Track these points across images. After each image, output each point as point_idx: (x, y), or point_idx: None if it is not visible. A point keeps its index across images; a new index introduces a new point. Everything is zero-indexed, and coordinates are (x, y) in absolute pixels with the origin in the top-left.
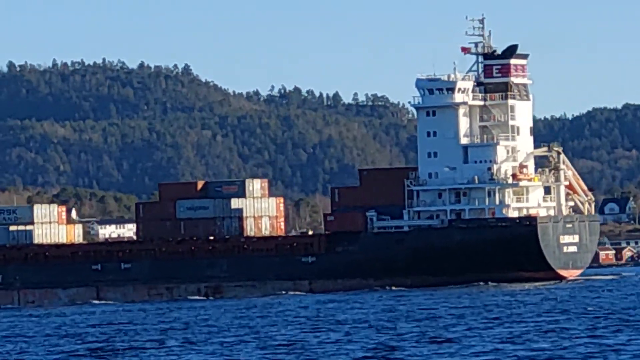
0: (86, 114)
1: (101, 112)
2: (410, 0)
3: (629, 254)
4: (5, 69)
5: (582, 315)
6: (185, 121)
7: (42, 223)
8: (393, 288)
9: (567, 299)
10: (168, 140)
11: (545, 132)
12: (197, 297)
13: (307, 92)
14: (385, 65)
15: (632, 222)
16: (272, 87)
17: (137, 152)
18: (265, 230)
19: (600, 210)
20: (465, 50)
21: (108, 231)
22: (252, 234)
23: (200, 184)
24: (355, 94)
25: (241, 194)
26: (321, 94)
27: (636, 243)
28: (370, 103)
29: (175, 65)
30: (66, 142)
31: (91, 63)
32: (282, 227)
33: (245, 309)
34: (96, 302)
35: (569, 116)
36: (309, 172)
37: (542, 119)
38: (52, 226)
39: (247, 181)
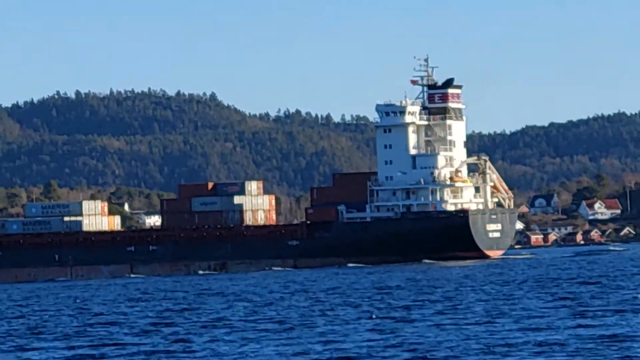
0: (135, 130)
1: (147, 129)
2: (375, 46)
3: (554, 237)
4: (73, 96)
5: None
6: (212, 136)
7: (89, 215)
8: (360, 265)
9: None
10: (199, 151)
11: (490, 143)
12: (208, 272)
13: (306, 113)
14: (365, 93)
15: (556, 213)
16: (279, 109)
17: (175, 160)
18: (261, 220)
19: (531, 203)
20: (413, 82)
21: (152, 220)
22: (250, 223)
23: (210, 185)
24: (343, 115)
25: (242, 192)
26: (317, 115)
27: (559, 229)
28: (354, 122)
29: (204, 93)
30: (120, 152)
31: (139, 91)
32: (274, 218)
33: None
34: (131, 275)
35: (508, 132)
36: (307, 174)
37: (487, 134)
38: (96, 217)
39: (246, 183)
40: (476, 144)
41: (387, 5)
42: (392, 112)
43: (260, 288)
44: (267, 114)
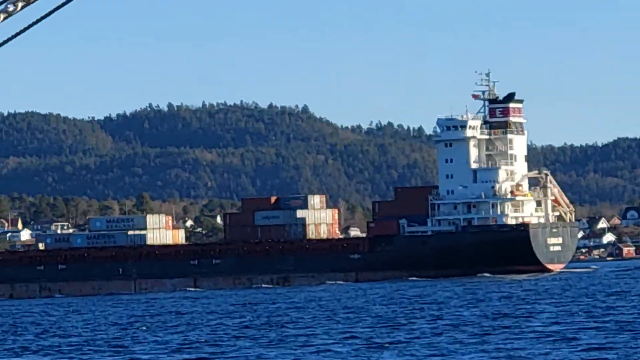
0: (228, 142)
1: (239, 141)
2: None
3: None
4: (166, 109)
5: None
6: (304, 148)
7: (153, 229)
8: (421, 279)
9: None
10: (291, 163)
11: (581, 156)
12: (270, 286)
13: (398, 125)
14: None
15: None
16: (371, 121)
17: (267, 172)
18: (324, 234)
19: (623, 216)
20: (475, 96)
21: None
22: (313, 236)
23: (273, 199)
24: (435, 127)
25: (304, 206)
26: (409, 127)
27: None
28: None
29: (297, 105)
30: (212, 164)
31: (232, 104)
32: (337, 231)
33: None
34: (192, 289)
35: (599, 144)
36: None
37: (579, 145)
38: (160, 231)
39: (309, 196)
40: (568, 157)
41: (450, 20)
42: (453, 126)
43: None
44: (359, 126)
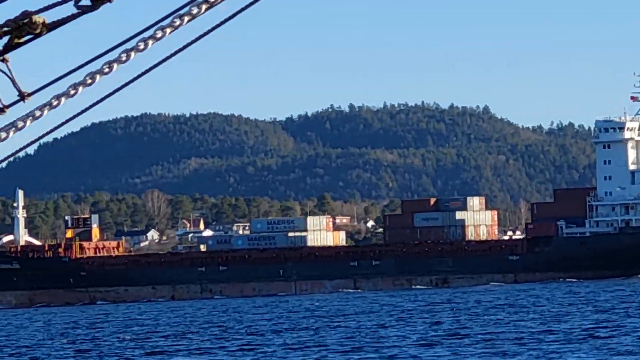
0: (409, 143)
1: (420, 141)
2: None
3: None
4: (347, 109)
5: None
6: (485, 149)
7: (313, 230)
8: (579, 280)
9: None
10: (472, 163)
11: None
12: (428, 287)
13: (579, 126)
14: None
15: None
16: (552, 122)
17: (448, 173)
18: (483, 235)
19: None
20: (633, 98)
21: None
22: (472, 238)
23: (432, 201)
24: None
25: (463, 207)
26: (589, 128)
27: None
28: None
29: (477, 106)
30: (393, 165)
31: (413, 104)
32: (496, 233)
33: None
34: (352, 290)
35: None
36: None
37: None
38: (321, 233)
39: (468, 198)
40: None
41: (607, 22)
42: (611, 128)
43: None
44: (540, 127)
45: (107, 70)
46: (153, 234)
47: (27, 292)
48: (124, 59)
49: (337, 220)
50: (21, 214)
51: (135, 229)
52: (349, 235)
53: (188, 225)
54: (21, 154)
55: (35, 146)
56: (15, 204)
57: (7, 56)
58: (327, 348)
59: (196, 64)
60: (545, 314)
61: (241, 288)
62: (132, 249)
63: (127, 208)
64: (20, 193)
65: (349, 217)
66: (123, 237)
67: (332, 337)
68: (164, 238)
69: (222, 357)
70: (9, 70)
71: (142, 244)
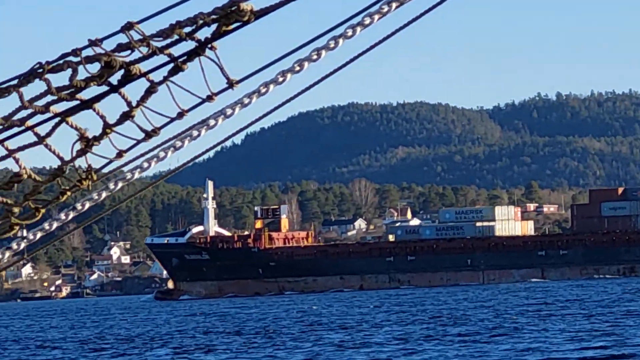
0: (617, 131)
1: (628, 130)
2: None
3: None
4: (554, 98)
5: None
6: None
7: (501, 220)
8: None
9: None
10: None
11: None
12: (615, 276)
13: None
14: None
15: None
16: None
17: None
18: None
19: None
20: None
21: None
22: None
23: (620, 190)
24: None
25: None
26: None
27: None
28: None
29: None
30: (601, 153)
31: (620, 92)
32: None
33: None
34: (539, 280)
35: None
36: None
37: None
38: (509, 222)
39: None
40: None
41: None
42: None
43: None
44: None
45: (315, 57)
46: (360, 223)
47: (216, 282)
48: (332, 45)
49: (545, 209)
50: (211, 205)
51: (343, 218)
52: (557, 224)
53: (395, 214)
54: (229, 143)
55: (242, 136)
56: (205, 195)
57: (215, 44)
58: None
59: (402, 53)
60: None
61: (429, 278)
62: (339, 238)
63: (334, 197)
64: (210, 184)
65: (556, 206)
66: (329, 227)
67: None
68: (371, 227)
69: None
70: (218, 58)
71: (349, 233)
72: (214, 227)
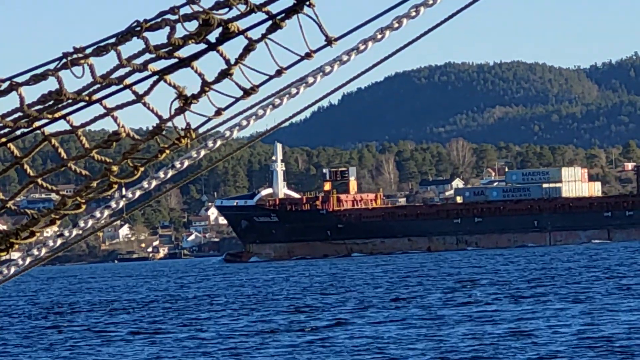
0: None
1: None
2: None
3: None
4: None
5: None
6: None
7: (568, 181)
8: None
9: None
10: None
11: None
12: None
13: None
14: None
15: None
16: None
17: None
18: None
19: None
20: None
21: None
22: None
23: None
24: None
25: None
26: None
27: None
28: None
29: None
30: None
31: None
32: None
33: None
34: (605, 241)
35: None
36: None
37: None
38: (576, 184)
39: None
40: None
41: None
42: None
43: None
44: None
45: (413, 14)
46: (457, 183)
47: (285, 244)
48: (430, 2)
49: None
50: (280, 167)
51: (440, 177)
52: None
53: (493, 174)
54: (325, 103)
55: (339, 96)
56: (274, 157)
57: (313, 1)
58: None
59: (496, 12)
60: None
61: (496, 239)
62: (437, 198)
63: (431, 157)
64: (279, 146)
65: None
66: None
67: None
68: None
69: None
70: (316, 15)
71: (446, 193)
72: (282, 190)
